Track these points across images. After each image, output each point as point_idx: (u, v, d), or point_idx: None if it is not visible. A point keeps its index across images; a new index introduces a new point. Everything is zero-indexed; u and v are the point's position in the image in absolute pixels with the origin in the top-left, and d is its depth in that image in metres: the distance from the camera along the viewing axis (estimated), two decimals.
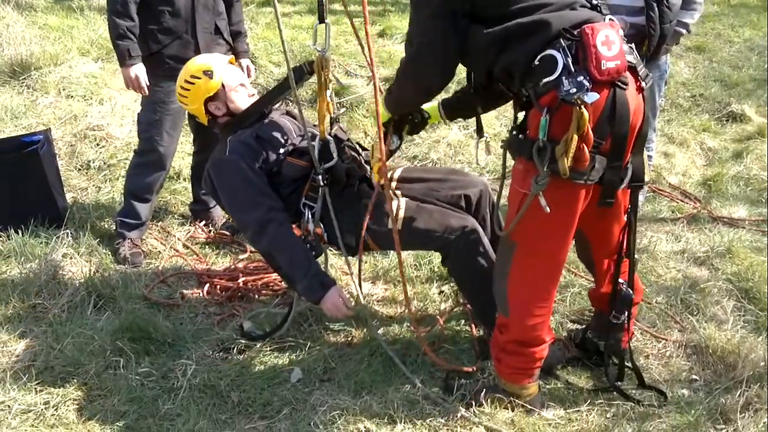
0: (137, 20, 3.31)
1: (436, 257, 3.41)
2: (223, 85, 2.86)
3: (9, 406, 2.57)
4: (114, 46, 3.35)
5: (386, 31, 7.25)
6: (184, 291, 3.37)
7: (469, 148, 4.93)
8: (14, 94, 5.03)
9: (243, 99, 2.91)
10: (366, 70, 5.80)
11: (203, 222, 4.00)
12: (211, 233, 3.93)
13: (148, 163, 3.64)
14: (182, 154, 4.30)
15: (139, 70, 3.36)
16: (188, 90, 2.87)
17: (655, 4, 3.37)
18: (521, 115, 2.33)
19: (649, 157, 3.79)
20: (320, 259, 2.89)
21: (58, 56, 5.38)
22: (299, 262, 2.65)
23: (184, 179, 4.34)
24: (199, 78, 2.84)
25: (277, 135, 2.82)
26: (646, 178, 2.35)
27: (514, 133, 2.29)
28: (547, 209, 2.13)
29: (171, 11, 3.38)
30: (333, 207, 2.74)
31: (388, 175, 2.92)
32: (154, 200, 3.81)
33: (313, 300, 2.70)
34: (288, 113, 3.03)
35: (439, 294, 3.32)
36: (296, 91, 2.60)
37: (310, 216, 2.74)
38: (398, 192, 2.87)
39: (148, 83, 3.42)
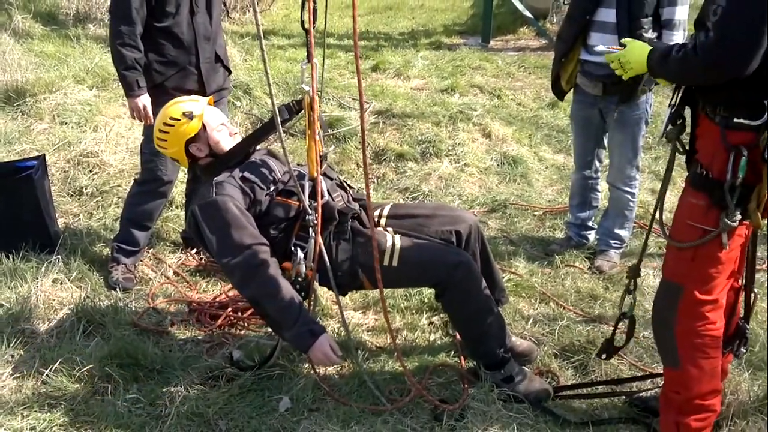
0: (143, 51, 3.35)
1: (426, 288, 3.44)
2: (204, 126, 2.78)
3: None
4: (121, 77, 3.35)
5: (379, 65, 7.39)
6: (174, 318, 3.37)
7: (460, 182, 4.99)
8: (8, 120, 5.07)
9: (225, 139, 2.83)
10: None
11: (194, 249, 4.01)
12: (203, 261, 3.94)
13: (150, 192, 3.67)
14: (175, 181, 4.32)
15: (146, 100, 3.39)
16: (167, 133, 2.77)
17: None
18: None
19: (632, 194, 3.86)
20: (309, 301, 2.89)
21: (54, 83, 5.44)
22: (288, 308, 2.54)
23: (177, 207, 4.36)
24: (179, 120, 2.75)
25: (264, 175, 2.75)
26: None
27: (698, 171, 2.18)
28: (727, 247, 2.07)
29: (174, 43, 3.43)
30: (325, 246, 2.68)
31: (377, 212, 2.91)
32: (153, 228, 3.82)
33: (302, 349, 2.62)
34: (269, 152, 2.97)
35: (429, 325, 3.33)
36: (281, 132, 2.52)
37: (302, 256, 2.66)
38: (390, 228, 2.85)
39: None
